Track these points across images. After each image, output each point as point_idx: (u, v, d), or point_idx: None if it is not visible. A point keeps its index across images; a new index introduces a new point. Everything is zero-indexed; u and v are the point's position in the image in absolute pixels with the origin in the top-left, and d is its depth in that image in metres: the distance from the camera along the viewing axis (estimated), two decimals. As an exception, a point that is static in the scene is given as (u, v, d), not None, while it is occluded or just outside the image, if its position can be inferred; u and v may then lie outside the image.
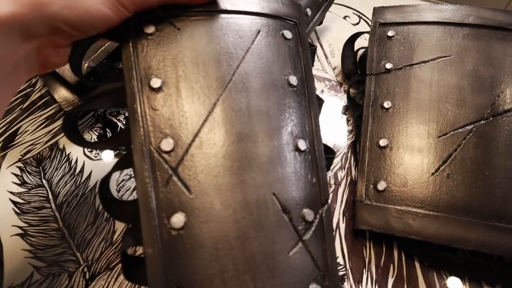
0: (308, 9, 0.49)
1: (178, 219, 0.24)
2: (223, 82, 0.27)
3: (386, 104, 0.41)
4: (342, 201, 0.41)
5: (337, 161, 0.44)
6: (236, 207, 0.24)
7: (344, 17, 0.63)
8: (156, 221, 0.24)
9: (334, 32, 0.60)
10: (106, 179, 0.28)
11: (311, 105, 0.29)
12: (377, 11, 0.48)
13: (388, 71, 0.43)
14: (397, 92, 0.41)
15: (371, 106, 0.41)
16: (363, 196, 0.37)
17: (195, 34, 0.28)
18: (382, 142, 0.39)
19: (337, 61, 0.54)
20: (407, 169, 0.37)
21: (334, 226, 0.39)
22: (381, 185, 0.37)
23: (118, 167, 0.27)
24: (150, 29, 0.27)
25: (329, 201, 0.27)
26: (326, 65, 0.55)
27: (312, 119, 0.29)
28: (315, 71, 0.53)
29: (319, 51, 0.57)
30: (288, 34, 0.30)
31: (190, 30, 0.28)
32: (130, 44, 0.27)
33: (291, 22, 0.31)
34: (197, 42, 0.27)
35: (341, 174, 0.43)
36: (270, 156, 0.26)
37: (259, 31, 0.29)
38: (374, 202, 0.37)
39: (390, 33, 0.45)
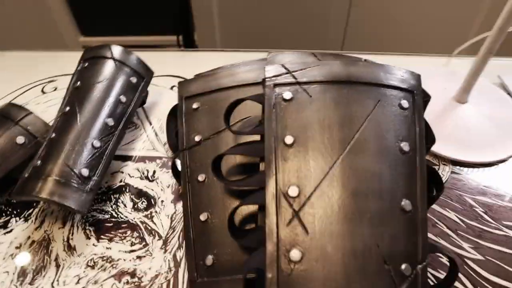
0: (121, 96, 0.51)
1: (295, 254, 0.30)
2: (343, 144, 0.33)
3: (200, 177, 0.42)
4: (183, 282, 0.40)
5: (174, 242, 0.44)
6: (345, 252, 0.29)
7: (172, 88, 0.66)
8: (277, 252, 0.30)
9: (163, 106, 0.62)
10: (235, 209, 0.36)
11: (420, 170, 0.33)
12: (181, 85, 0.48)
13: (198, 143, 0.43)
14: (209, 163, 0.40)
15: (188, 182, 0.42)
16: (195, 275, 0.38)
17: (323, 101, 0.35)
18: (203, 217, 0.40)
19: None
20: (231, 238, 0.37)
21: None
22: (209, 260, 0.37)
23: (249, 201, 0.35)
24: (288, 96, 0.35)
25: (427, 260, 0.31)
26: (157, 143, 0.56)
27: (418, 183, 0.33)
28: (144, 151, 0.55)
29: (148, 130, 0.58)
30: (405, 103, 0.35)
31: (320, 97, 0.35)
32: (271, 105, 0.35)
33: (408, 92, 0.36)
34: (325, 108, 0.34)
35: (180, 254, 0.42)
36: (378, 213, 0.31)
37: (379, 100, 0.35)
38: (207, 278, 0.37)
39: (195, 105, 0.46)
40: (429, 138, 0.39)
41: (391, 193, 0.32)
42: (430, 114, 0.41)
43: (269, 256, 0.30)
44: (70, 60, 0.60)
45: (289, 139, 0.33)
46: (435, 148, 0.52)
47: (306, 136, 0.33)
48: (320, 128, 0.34)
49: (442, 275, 0.40)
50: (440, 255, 0.42)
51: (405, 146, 0.34)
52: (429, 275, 0.40)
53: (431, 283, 0.40)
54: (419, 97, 0.36)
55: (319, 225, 0.30)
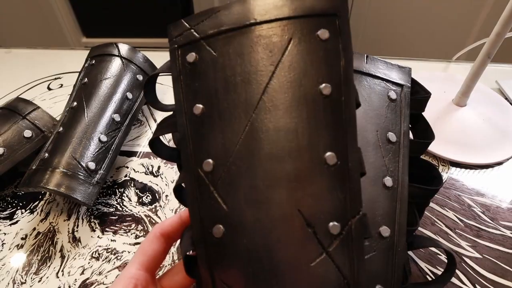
0: (128, 93, 0.53)
1: (218, 230, 0.28)
2: (252, 103, 0.28)
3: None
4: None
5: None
6: (264, 222, 0.27)
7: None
8: (202, 229, 0.29)
9: (167, 103, 0.64)
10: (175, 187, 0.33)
11: (346, 113, 0.27)
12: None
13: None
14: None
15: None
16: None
17: (228, 55, 0.29)
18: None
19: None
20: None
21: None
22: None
23: (177, 182, 0.32)
24: (192, 58, 0.30)
25: (361, 213, 0.27)
26: (162, 139, 0.57)
27: (347, 127, 0.27)
28: (149, 148, 0.53)
29: (153, 126, 0.59)
30: (324, 33, 0.27)
31: (224, 52, 0.29)
32: (178, 72, 0.30)
33: (329, 17, 0.28)
34: (229, 64, 0.29)
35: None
36: (296, 174, 0.27)
37: (290, 39, 0.28)
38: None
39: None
40: (428, 134, 0.41)
41: (311, 148, 0.27)
42: (430, 117, 0.42)
43: (196, 234, 0.29)
44: (75, 59, 0.61)
45: (197, 109, 0.29)
46: (435, 149, 0.53)
47: (214, 102, 0.29)
48: (226, 90, 0.29)
49: (440, 271, 0.41)
50: (439, 252, 0.43)
51: (325, 88, 0.27)
52: (427, 271, 0.41)
53: (429, 279, 0.41)
54: (343, 20, 0.28)
55: (237, 197, 0.28)
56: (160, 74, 0.61)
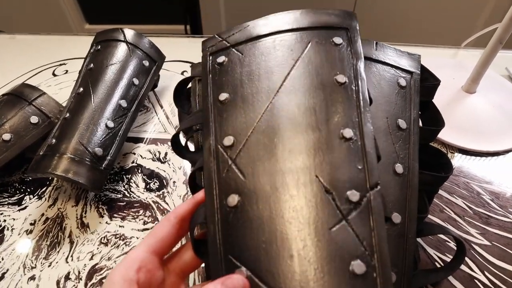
0: (134, 78, 0.52)
1: (233, 199, 0.29)
2: (274, 88, 0.33)
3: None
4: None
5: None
6: (282, 189, 0.28)
7: (182, 73, 0.67)
8: (217, 202, 0.29)
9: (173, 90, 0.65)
10: (191, 174, 0.35)
11: (360, 98, 0.31)
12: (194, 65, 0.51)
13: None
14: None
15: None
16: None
17: (254, 55, 0.35)
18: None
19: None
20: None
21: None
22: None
23: (197, 166, 0.34)
24: (221, 59, 0.35)
25: (379, 186, 0.28)
26: (168, 126, 0.57)
27: (361, 109, 0.31)
28: (155, 134, 0.56)
29: (159, 113, 0.59)
30: (338, 40, 0.34)
31: (251, 53, 0.35)
32: (207, 71, 0.36)
33: (341, 30, 0.35)
34: (255, 61, 0.34)
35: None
36: (315, 144, 0.29)
37: (309, 42, 0.34)
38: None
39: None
40: (438, 121, 0.40)
41: (328, 123, 0.30)
42: (438, 103, 0.41)
43: (209, 207, 0.29)
44: (80, 45, 0.61)
45: (222, 96, 0.33)
46: (444, 137, 0.53)
47: (239, 90, 0.33)
48: (251, 80, 0.33)
49: (449, 258, 0.41)
50: (448, 239, 0.43)
51: (340, 77, 0.32)
52: (436, 258, 0.41)
53: (438, 266, 0.41)
54: (354, 33, 0.34)
55: (255, 167, 0.30)
56: (166, 60, 0.61)
